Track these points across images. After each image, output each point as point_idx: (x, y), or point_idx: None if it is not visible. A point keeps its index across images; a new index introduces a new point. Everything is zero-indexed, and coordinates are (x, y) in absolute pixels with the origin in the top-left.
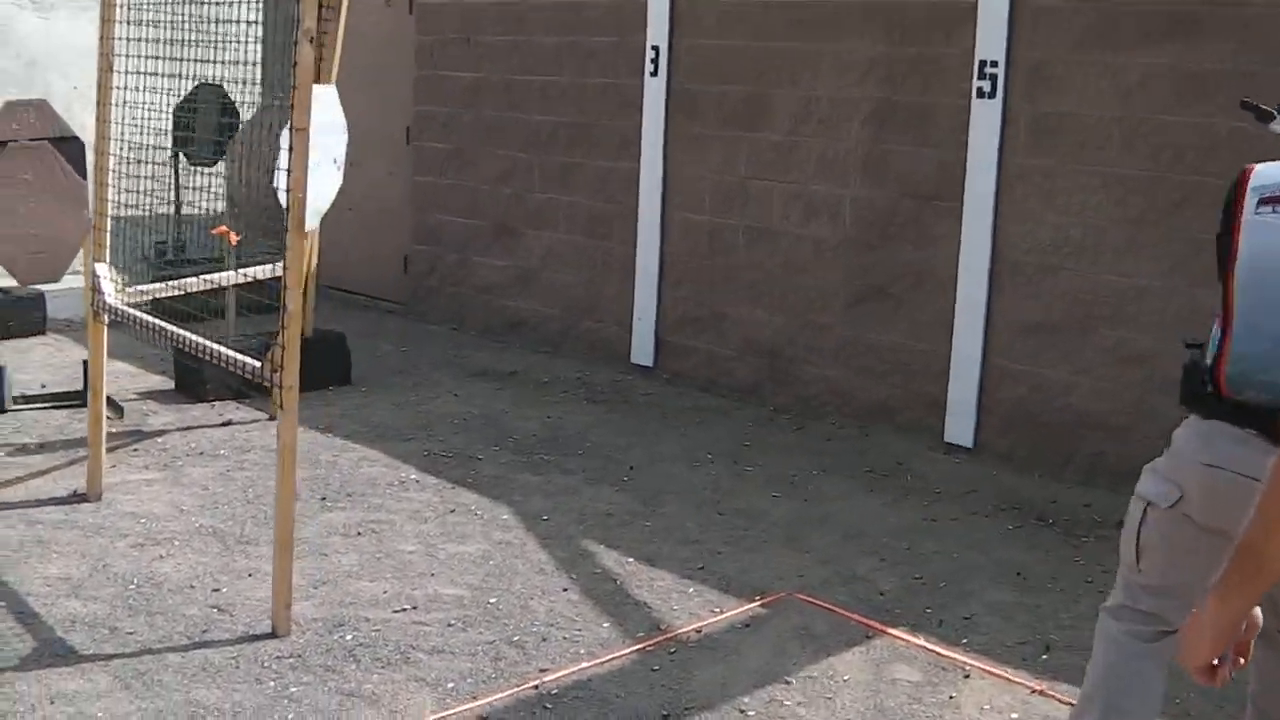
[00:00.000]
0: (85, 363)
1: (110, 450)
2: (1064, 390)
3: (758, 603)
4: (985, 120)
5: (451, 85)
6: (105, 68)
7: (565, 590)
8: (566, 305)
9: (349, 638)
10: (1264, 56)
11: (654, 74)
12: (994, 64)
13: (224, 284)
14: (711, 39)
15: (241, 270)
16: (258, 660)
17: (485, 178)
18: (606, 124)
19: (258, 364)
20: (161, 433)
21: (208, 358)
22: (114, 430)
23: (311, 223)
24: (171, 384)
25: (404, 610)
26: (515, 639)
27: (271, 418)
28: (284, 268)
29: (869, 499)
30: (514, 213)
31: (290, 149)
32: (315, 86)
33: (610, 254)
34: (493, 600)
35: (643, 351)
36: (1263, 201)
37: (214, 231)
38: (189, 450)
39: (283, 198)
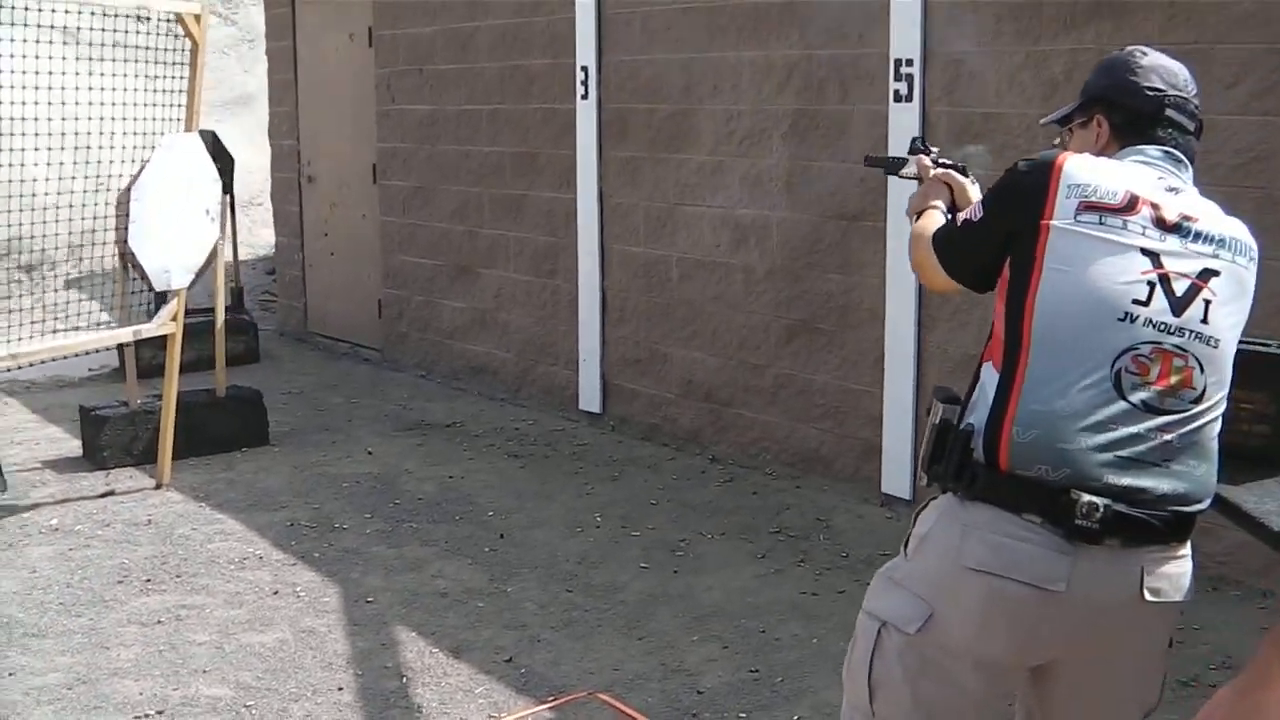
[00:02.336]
0: None
1: None
2: None
3: (547, 705)
4: (903, 127)
5: (409, 119)
6: None
7: (340, 690)
8: (521, 348)
9: None
10: (1193, 33)
11: (584, 96)
12: (909, 63)
13: None
14: (637, 54)
15: None
16: None
17: (442, 215)
18: (549, 152)
19: None
20: (35, 506)
21: None
22: None
23: (182, 280)
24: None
25: (146, 716)
26: None
27: (158, 485)
28: None
29: (752, 568)
30: (469, 251)
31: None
32: (178, 136)
33: (558, 292)
34: (251, 703)
35: (590, 397)
36: (1087, 207)
37: None
38: (45, 526)
39: (140, 257)
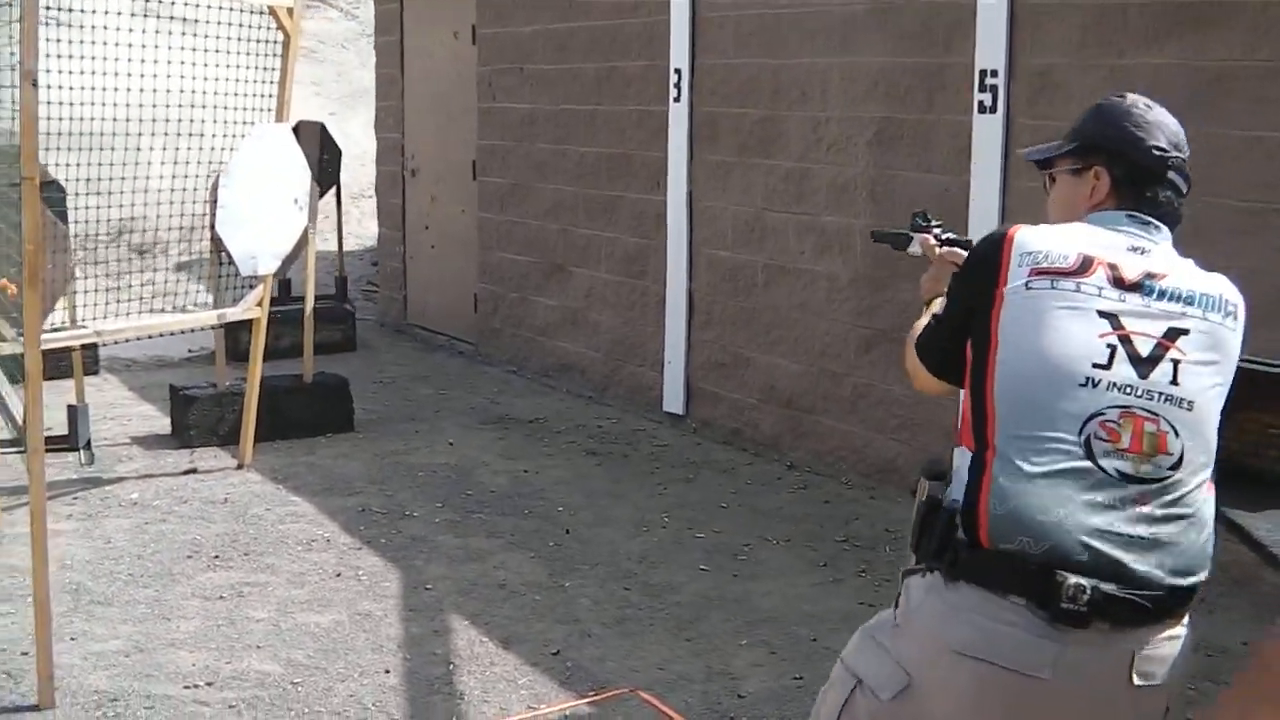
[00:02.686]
0: (70, 408)
1: (52, 498)
2: None
3: (587, 699)
4: (987, 138)
5: (509, 117)
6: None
7: (387, 673)
8: (609, 348)
9: (112, 715)
10: (1278, 48)
11: (677, 99)
12: (994, 74)
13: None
14: (729, 58)
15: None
16: None
17: (538, 213)
18: (642, 154)
19: (20, 420)
20: (119, 480)
21: None
22: (74, 476)
23: (269, 265)
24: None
25: (196, 687)
26: None
27: (239, 466)
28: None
29: (812, 576)
30: (563, 249)
31: (20, 200)
32: (268, 126)
33: (646, 293)
34: (297, 680)
35: (674, 398)
36: (1038, 273)
37: None
38: (125, 500)
39: (228, 242)
